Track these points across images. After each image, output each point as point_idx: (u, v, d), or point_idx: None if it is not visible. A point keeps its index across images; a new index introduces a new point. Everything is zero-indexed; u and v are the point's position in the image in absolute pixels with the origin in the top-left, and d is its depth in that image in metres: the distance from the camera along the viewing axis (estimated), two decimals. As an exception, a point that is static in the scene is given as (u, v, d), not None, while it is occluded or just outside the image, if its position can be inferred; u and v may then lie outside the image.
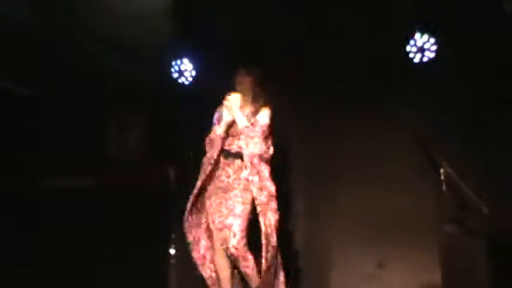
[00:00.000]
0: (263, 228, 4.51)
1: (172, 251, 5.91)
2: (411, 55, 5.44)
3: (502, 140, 5.38)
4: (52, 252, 6.18)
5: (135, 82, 6.28)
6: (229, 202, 4.62)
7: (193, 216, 4.76)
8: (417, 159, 5.50)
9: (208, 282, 4.73)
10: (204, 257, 4.75)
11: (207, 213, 4.73)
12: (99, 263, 6.03)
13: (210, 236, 4.72)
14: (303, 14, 5.39)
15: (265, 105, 4.75)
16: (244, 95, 4.77)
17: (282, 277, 4.72)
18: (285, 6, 5.20)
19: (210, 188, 4.72)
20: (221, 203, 4.64)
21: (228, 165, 4.71)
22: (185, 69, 5.79)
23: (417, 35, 5.39)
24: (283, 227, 5.63)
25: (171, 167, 5.97)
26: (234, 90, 4.77)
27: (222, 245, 4.56)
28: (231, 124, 4.73)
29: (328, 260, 5.69)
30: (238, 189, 4.64)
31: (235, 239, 4.49)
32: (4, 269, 6.12)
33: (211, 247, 4.71)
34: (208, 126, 4.82)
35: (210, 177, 4.72)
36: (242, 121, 4.68)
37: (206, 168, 4.71)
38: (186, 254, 4.88)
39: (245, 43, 5.62)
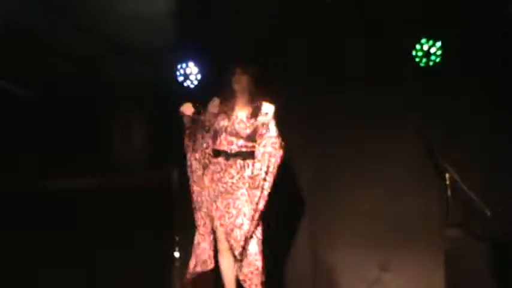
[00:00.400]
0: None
1: (176, 254, 5.91)
2: (417, 59, 5.45)
3: (506, 143, 5.40)
4: (54, 253, 6.15)
5: (140, 85, 6.29)
6: (238, 202, 4.68)
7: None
8: (422, 163, 5.52)
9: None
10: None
11: (210, 217, 4.77)
12: (101, 264, 6.02)
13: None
14: (308, 15, 5.39)
15: (264, 101, 4.79)
16: (242, 94, 4.81)
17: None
18: (291, 7, 5.20)
19: (214, 192, 4.75)
20: (229, 204, 4.69)
21: (231, 166, 4.74)
22: (190, 73, 5.79)
23: (423, 40, 5.40)
24: (287, 230, 5.74)
25: (175, 168, 5.96)
26: (231, 89, 4.82)
27: (232, 245, 4.61)
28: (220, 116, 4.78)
29: (332, 264, 5.71)
30: (244, 188, 4.70)
31: (245, 238, 4.59)
32: (8, 269, 6.13)
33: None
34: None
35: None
36: (240, 123, 4.74)
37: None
38: (190, 255, 4.89)
39: (251, 46, 5.63)
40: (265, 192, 4.68)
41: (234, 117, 4.78)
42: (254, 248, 4.64)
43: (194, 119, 4.82)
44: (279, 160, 4.71)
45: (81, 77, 6.30)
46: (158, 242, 5.98)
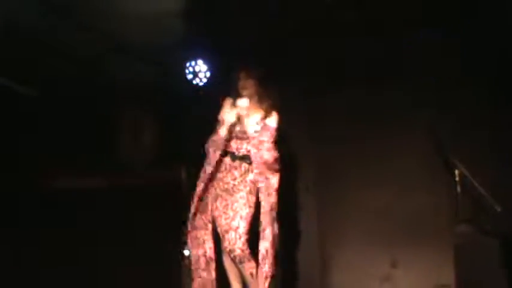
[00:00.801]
0: (269, 237, 4.56)
1: (185, 252, 5.91)
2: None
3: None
4: (61, 252, 6.17)
5: (149, 83, 6.31)
6: (236, 204, 4.66)
7: (199, 217, 4.80)
8: (431, 159, 5.53)
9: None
10: (211, 258, 4.76)
11: (212, 216, 4.76)
12: (109, 263, 6.04)
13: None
14: (308, 15, 5.40)
15: (272, 107, 4.79)
16: (250, 98, 4.81)
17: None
18: (292, 7, 5.22)
19: (215, 191, 4.76)
20: (227, 205, 4.68)
21: (235, 167, 4.75)
22: (199, 70, 5.79)
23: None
24: (296, 227, 5.74)
25: (184, 168, 5.97)
26: (239, 94, 4.82)
27: (226, 247, 4.59)
28: (234, 125, 4.76)
29: (342, 261, 5.72)
30: (244, 191, 4.69)
31: (241, 240, 4.55)
32: (19, 268, 6.15)
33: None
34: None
35: (211, 178, 4.75)
36: (252, 127, 4.72)
37: (207, 168, 4.74)
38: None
39: (260, 44, 5.65)
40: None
41: (244, 121, 4.79)
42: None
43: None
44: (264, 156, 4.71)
45: (90, 77, 6.33)
46: (167, 241, 5.99)
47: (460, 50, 5.49)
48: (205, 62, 5.75)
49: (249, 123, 4.76)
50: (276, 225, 4.67)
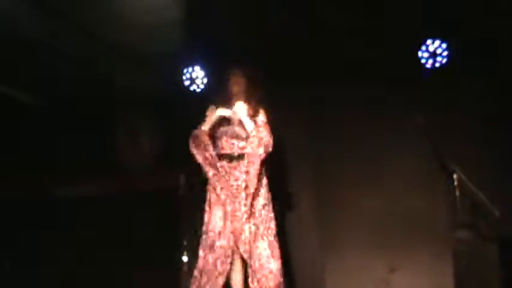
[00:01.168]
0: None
1: (184, 258, 5.91)
2: (423, 60, 5.44)
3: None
4: (60, 254, 6.28)
5: (147, 90, 6.31)
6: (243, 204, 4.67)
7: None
8: (430, 164, 5.50)
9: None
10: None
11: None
12: (107, 267, 6.08)
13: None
14: (311, 16, 5.39)
15: (259, 104, 4.82)
16: (239, 96, 4.84)
17: None
18: (300, 12, 5.21)
19: (223, 197, 4.74)
20: (235, 208, 4.68)
21: (235, 168, 4.76)
22: (196, 77, 5.80)
23: (429, 41, 5.39)
24: (294, 232, 5.73)
25: (182, 173, 5.96)
26: (228, 92, 4.85)
27: (240, 247, 4.60)
28: (219, 122, 4.78)
29: (340, 265, 5.69)
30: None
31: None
32: (25, 270, 6.24)
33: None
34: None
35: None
36: (249, 126, 4.73)
37: (211, 167, 4.75)
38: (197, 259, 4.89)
39: (256, 50, 5.64)
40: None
41: (232, 120, 4.81)
42: (266, 250, 4.63)
43: None
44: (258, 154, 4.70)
45: (87, 83, 6.33)
46: (165, 246, 5.99)
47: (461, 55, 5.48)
48: (203, 68, 5.75)
49: (238, 122, 4.79)
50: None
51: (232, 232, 4.64)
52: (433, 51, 5.40)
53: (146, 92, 6.33)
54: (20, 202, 6.47)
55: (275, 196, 4.88)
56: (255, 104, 4.83)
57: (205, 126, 4.81)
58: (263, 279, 4.58)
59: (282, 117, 4.90)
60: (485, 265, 4.92)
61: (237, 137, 4.79)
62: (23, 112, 6.63)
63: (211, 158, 4.75)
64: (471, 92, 5.51)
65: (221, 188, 4.72)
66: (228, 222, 4.66)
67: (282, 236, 5.10)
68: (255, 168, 4.66)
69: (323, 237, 5.80)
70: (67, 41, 5.53)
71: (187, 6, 5.13)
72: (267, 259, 4.61)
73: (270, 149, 4.70)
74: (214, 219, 4.73)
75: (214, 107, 4.86)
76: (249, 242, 4.59)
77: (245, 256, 4.61)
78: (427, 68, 5.46)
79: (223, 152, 4.81)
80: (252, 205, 4.65)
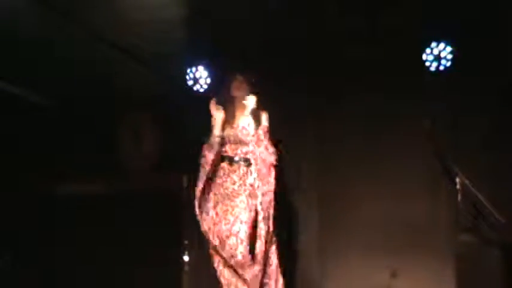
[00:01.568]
0: (263, 232, 4.57)
1: (185, 258, 5.91)
2: (427, 64, 5.42)
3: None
4: (63, 253, 6.30)
5: (150, 89, 6.31)
6: (236, 209, 4.66)
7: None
8: (432, 168, 5.51)
9: None
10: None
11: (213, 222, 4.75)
12: (109, 267, 6.09)
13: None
14: (314, 16, 5.39)
15: (260, 109, 4.80)
16: (241, 100, 4.83)
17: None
18: (296, 10, 5.21)
19: (215, 197, 4.75)
20: (227, 210, 4.68)
21: (234, 171, 4.76)
22: (200, 77, 5.79)
23: (433, 44, 5.37)
24: (297, 237, 5.71)
25: (185, 174, 5.97)
26: (230, 95, 4.85)
27: (227, 252, 4.58)
28: (225, 123, 4.78)
29: (342, 270, 5.68)
30: (244, 195, 4.70)
31: (242, 245, 4.55)
32: (28, 269, 6.26)
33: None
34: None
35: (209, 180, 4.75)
36: (244, 129, 4.77)
37: (206, 170, 4.75)
38: (199, 260, 4.88)
39: (260, 50, 5.65)
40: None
41: (235, 125, 4.81)
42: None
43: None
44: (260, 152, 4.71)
45: (90, 83, 6.34)
46: (168, 247, 5.99)
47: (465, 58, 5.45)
48: (206, 68, 5.75)
49: (239, 128, 4.79)
50: (271, 224, 4.67)
51: (218, 235, 4.64)
52: (438, 54, 5.38)
53: (149, 91, 6.34)
54: (20, 200, 6.47)
55: (276, 201, 4.84)
56: (258, 112, 4.81)
57: (217, 131, 4.81)
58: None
59: (283, 120, 4.87)
60: (487, 269, 4.87)
61: (240, 142, 4.80)
62: (23, 111, 6.63)
63: (215, 161, 4.77)
64: (475, 95, 5.48)
65: (211, 190, 4.75)
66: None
67: (282, 240, 5.10)
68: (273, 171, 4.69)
69: (324, 241, 5.78)
70: (69, 40, 5.53)
71: (191, 5, 5.12)
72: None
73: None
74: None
75: (215, 101, 4.86)
76: (235, 246, 4.55)
77: (231, 261, 4.58)
78: (431, 71, 5.43)
79: (225, 154, 4.82)
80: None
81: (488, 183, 5.17)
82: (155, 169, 6.52)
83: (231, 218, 4.63)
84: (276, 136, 4.89)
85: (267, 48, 5.66)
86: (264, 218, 4.61)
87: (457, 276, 5.06)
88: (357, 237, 5.65)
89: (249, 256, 4.56)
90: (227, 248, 4.58)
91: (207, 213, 4.75)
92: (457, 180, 5.12)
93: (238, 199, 4.68)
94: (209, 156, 4.77)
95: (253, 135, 4.73)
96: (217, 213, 4.71)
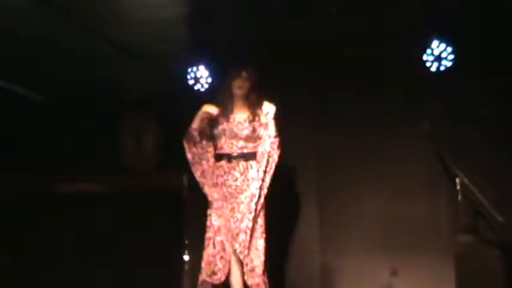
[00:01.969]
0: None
1: (186, 257, 5.92)
2: (428, 64, 5.42)
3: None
4: (60, 253, 6.28)
5: (151, 89, 6.31)
6: (242, 206, 4.67)
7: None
8: (432, 169, 5.52)
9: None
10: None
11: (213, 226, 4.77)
12: (110, 266, 6.09)
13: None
14: (316, 17, 5.40)
15: (258, 104, 4.80)
16: (240, 97, 4.85)
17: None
18: (297, 10, 5.21)
19: (220, 197, 4.76)
20: (233, 208, 4.69)
21: (234, 168, 4.77)
22: (201, 76, 5.79)
23: (434, 44, 5.37)
24: (296, 236, 5.72)
25: (185, 174, 5.97)
26: (230, 92, 4.85)
27: (237, 249, 4.59)
28: (218, 120, 4.79)
29: (342, 269, 5.69)
30: (248, 191, 4.70)
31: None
32: (24, 269, 6.25)
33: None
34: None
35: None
36: (242, 125, 4.77)
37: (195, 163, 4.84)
38: (199, 260, 4.88)
39: (261, 49, 5.65)
40: (263, 192, 4.68)
41: (231, 119, 4.81)
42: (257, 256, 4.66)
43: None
44: (276, 159, 4.72)
45: (91, 82, 6.34)
46: (168, 245, 6.00)
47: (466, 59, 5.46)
48: (207, 67, 5.75)
49: (234, 123, 4.80)
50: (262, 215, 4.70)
51: (228, 232, 4.66)
52: (438, 55, 5.37)
53: (150, 91, 6.34)
54: (21, 200, 6.47)
55: (277, 199, 4.87)
56: (259, 103, 4.81)
57: (194, 124, 4.86)
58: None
59: (284, 119, 4.87)
60: (487, 269, 4.87)
61: (235, 136, 4.79)
62: (24, 110, 6.64)
63: (198, 154, 4.83)
64: (475, 96, 5.50)
65: (213, 188, 4.77)
66: (224, 221, 4.69)
67: (283, 239, 5.11)
68: (271, 174, 4.70)
69: (325, 242, 5.79)
70: (68, 39, 5.52)
71: (192, 5, 5.11)
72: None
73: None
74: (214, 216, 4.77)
75: (209, 105, 4.88)
76: (245, 242, 4.58)
77: (241, 257, 4.61)
78: (432, 72, 5.43)
79: (222, 151, 4.82)
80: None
81: (488, 184, 5.19)
82: (155, 168, 6.53)
83: (239, 216, 4.66)
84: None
85: (267, 48, 5.67)
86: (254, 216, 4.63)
87: (456, 276, 5.03)
88: (357, 236, 5.66)
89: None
90: (236, 245, 4.60)
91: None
92: (457, 180, 5.13)
93: (243, 195, 4.69)
94: (187, 150, 4.88)
95: (247, 127, 4.75)
96: (224, 213, 4.72)
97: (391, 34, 5.43)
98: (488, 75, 5.43)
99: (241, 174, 4.74)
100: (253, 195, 4.66)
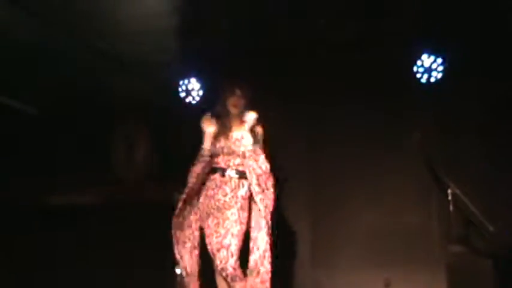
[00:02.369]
0: (265, 245, 4.56)
1: (177, 270, 5.88)
2: (418, 75, 5.46)
3: (509, 158, 5.40)
4: (56, 263, 6.25)
5: (142, 101, 6.31)
6: (227, 222, 4.60)
7: (179, 231, 4.79)
8: (423, 180, 5.54)
9: None
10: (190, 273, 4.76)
11: (193, 233, 4.77)
12: (101, 280, 6.03)
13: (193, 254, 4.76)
14: (309, 33, 5.43)
15: (259, 125, 4.79)
16: (237, 115, 4.81)
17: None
18: (297, 22, 5.25)
19: (205, 209, 4.71)
20: (218, 223, 4.62)
21: (226, 183, 4.71)
22: (192, 89, 5.80)
23: (424, 56, 5.42)
24: (290, 249, 5.72)
25: (178, 185, 5.97)
26: (226, 109, 4.81)
27: (218, 265, 4.53)
28: (215, 137, 4.77)
29: (335, 281, 5.70)
30: (235, 208, 4.63)
31: (233, 259, 4.50)
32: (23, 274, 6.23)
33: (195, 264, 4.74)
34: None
35: (193, 189, 4.75)
36: (238, 142, 4.73)
37: (191, 180, 4.75)
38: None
39: (253, 62, 5.67)
40: (262, 206, 4.63)
41: (230, 137, 4.79)
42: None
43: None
44: (262, 169, 4.69)
45: (83, 93, 6.34)
46: (159, 259, 5.98)
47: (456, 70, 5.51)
48: (199, 80, 5.76)
49: (232, 140, 4.77)
50: (269, 238, 4.63)
51: (211, 248, 4.62)
52: (429, 67, 5.42)
53: (142, 103, 6.34)
54: (18, 209, 6.45)
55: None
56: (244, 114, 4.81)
57: (206, 144, 4.82)
58: None
59: (279, 133, 4.89)
60: (478, 279, 4.89)
61: (233, 153, 4.76)
62: (20, 120, 6.63)
63: (199, 175, 4.78)
64: (465, 107, 5.54)
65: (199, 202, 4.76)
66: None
67: (276, 252, 5.09)
68: (272, 183, 4.69)
69: (317, 254, 5.81)
70: (62, 50, 5.53)
71: (184, 17, 5.13)
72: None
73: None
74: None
75: (209, 117, 4.87)
76: (226, 259, 4.52)
77: (223, 274, 4.54)
78: (422, 83, 5.48)
79: (217, 166, 4.79)
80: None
81: (480, 194, 5.22)
82: (147, 179, 6.52)
83: (222, 231, 4.59)
84: (272, 143, 4.88)
85: (261, 58, 5.70)
86: (267, 232, 4.60)
87: (448, 286, 5.06)
88: (349, 248, 5.69)
89: (240, 269, 4.53)
90: (217, 261, 4.56)
91: (189, 226, 4.78)
92: (449, 191, 5.16)
93: (230, 211, 4.63)
94: (194, 168, 4.78)
95: (250, 150, 4.74)
96: (208, 226, 4.70)
97: (380, 46, 5.47)
98: (479, 85, 5.49)
99: (232, 190, 4.69)
100: (243, 216, 4.63)
